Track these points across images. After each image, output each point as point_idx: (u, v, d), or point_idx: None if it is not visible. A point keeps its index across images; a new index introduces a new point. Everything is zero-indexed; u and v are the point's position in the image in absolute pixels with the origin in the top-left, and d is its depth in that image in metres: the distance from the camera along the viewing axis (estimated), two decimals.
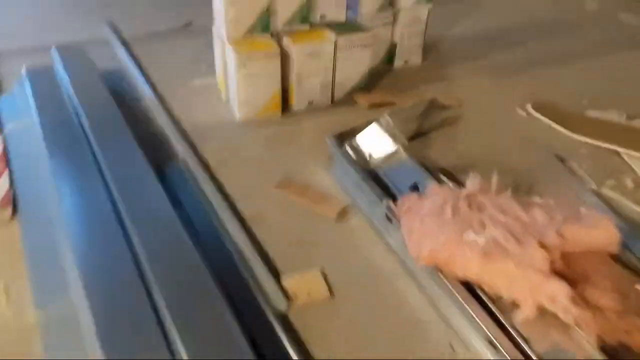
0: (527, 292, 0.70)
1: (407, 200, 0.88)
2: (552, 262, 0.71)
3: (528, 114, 1.29)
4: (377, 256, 0.90)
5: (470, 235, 0.77)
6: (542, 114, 1.27)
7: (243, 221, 0.96)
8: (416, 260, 0.80)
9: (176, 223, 0.90)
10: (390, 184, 1.00)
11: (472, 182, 0.85)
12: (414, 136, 1.16)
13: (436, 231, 0.79)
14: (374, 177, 1.02)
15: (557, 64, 1.51)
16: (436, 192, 0.88)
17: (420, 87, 1.39)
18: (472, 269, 0.75)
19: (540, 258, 0.71)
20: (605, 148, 1.16)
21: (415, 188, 0.96)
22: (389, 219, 0.91)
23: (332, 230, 0.95)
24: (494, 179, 0.86)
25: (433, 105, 1.25)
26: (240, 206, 0.99)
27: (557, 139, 1.20)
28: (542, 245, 0.73)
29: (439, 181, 0.98)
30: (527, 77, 1.44)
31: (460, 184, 1.01)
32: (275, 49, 1.19)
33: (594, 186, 1.05)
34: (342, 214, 0.98)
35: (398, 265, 0.88)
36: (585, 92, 1.37)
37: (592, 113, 1.28)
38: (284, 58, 1.23)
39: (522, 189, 1.02)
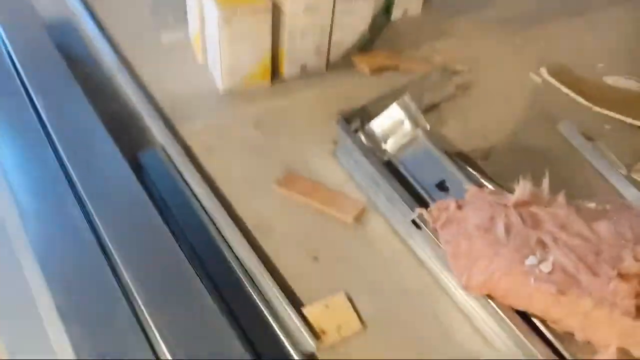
0: (610, 336, 0.59)
1: (444, 208, 0.74)
2: (637, 297, 0.60)
3: (543, 80, 1.14)
4: (405, 270, 0.77)
5: (532, 261, 0.64)
6: (558, 81, 1.13)
7: (247, 232, 0.79)
8: (465, 288, 0.68)
9: (164, 232, 0.73)
10: (409, 177, 0.85)
11: (522, 189, 0.71)
12: (426, 110, 1.00)
13: (489, 254, 0.66)
14: (390, 167, 0.86)
15: (567, 16, 1.34)
16: (477, 198, 0.74)
17: (424, 44, 1.20)
18: (538, 304, 0.63)
19: (624, 295, 0.59)
20: (630, 124, 1.04)
21: (443, 187, 0.82)
22: (418, 226, 0.77)
23: (349, 238, 0.80)
24: (545, 184, 0.73)
25: (444, 72, 1.08)
26: (240, 211, 0.82)
27: (578, 112, 1.07)
28: (622, 276, 0.61)
29: (467, 175, 0.84)
30: (536, 32, 1.28)
31: (486, 175, 0.87)
32: (266, 1, 0.97)
33: (623, 171, 0.94)
34: (359, 216, 0.83)
35: (430, 280, 0.76)
36: (599, 53, 1.23)
37: (610, 80, 1.15)
38: (273, 13, 1.01)
39: (551, 179, 0.89)
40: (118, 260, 0.68)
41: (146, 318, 0.63)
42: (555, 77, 1.14)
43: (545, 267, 0.63)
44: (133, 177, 0.77)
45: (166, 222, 0.76)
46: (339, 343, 0.68)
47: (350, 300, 0.72)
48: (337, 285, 0.74)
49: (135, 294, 0.65)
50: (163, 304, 0.65)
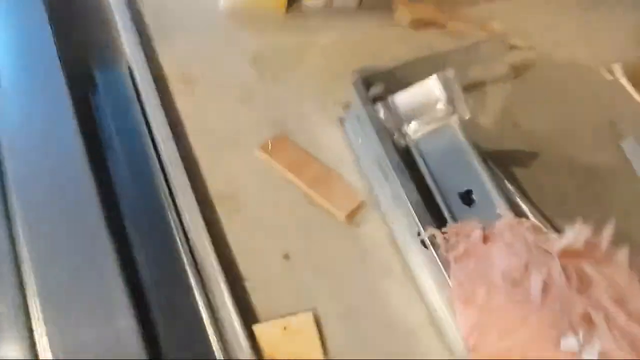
0: None
1: (464, 235, 0.55)
2: None
3: (614, 79, 0.92)
4: (396, 296, 0.59)
5: (572, 344, 0.46)
6: (632, 84, 0.91)
7: (207, 202, 0.61)
8: (470, 351, 0.50)
9: (87, 183, 0.55)
10: (428, 177, 0.65)
11: (575, 236, 0.52)
12: (467, 88, 0.79)
13: (514, 318, 0.48)
14: (406, 157, 0.67)
15: None
16: (512, 232, 0.55)
17: (482, 4, 0.96)
18: None
19: None
20: None
21: (468, 199, 0.63)
22: (425, 246, 0.58)
23: (335, 239, 0.62)
24: (607, 234, 0.54)
25: (500, 44, 0.86)
26: (206, 172, 0.63)
27: None
28: None
29: (503, 191, 0.64)
30: (620, 20, 1.03)
31: (525, 195, 0.68)
32: None
33: None
34: (354, 213, 0.64)
35: (425, 318, 0.58)
36: None
37: None
38: None
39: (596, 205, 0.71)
40: (17, 211, 0.50)
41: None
42: (629, 79, 0.92)
43: (589, 356, 0.45)
44: (69, 105, 0.57)
45: (106, 167, 0.58)
46: None
47: (318, 324, 0.55)
48: (305, 299, 0.57)
49: (26, 255, 0.48)
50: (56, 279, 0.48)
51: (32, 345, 0.46)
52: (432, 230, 0.56)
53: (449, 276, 0.54)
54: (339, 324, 0.56)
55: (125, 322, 0.48)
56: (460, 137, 0.67)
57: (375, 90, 0.72)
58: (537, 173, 0.73)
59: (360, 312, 0.57)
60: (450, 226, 0.56)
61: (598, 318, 0.47)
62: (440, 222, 0.59)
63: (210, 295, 0.54)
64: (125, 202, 0.59)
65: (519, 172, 0.73)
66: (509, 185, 0.66)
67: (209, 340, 0.52)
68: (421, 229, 0.57)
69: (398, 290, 0.59)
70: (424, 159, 0.66)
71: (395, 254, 0.61)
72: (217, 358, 0.51)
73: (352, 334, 0.55)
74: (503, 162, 0.72)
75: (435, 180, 0.64)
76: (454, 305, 0.52)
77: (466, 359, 0.51)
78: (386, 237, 0.63)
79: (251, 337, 0.52)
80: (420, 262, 0.59)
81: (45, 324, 0.46)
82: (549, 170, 0.74)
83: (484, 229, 0.55)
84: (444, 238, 0.55)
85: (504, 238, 0.54)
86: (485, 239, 0.54)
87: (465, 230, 0.55)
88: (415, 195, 0.61)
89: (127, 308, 0.49)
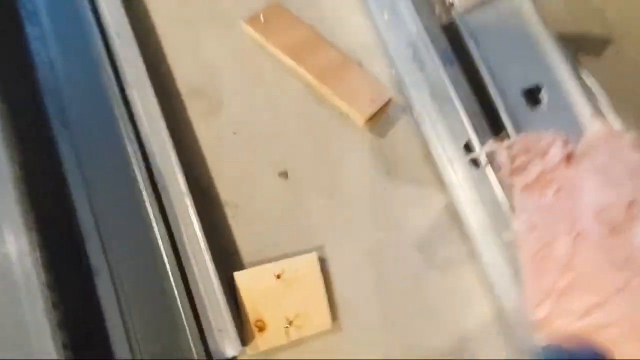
0: None
1: (536, 153, 0.38)
2: None
3: None
4: (428, 234, 0.43)
5: None
6: None
7: (173, 99, 0.43)
8: (537, 327, 0.35)
9: None
10: (481, 65, 0.46)
11: None
12: None
13: (607, 283, 0.33)
14: (453, 37, 0.47)
15: None
16: (607, 150, 0.37)
17: None
18: None
19: None
20: None
21: (536, 96, 0.44)
22: (477, 165, 0.42)
23: (350, 151, 0.45)
24: None
25: None
26: (172, 52, 0.45)
27: None
28: None
29: (584, 87, 0.45)
30: None
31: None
32: None
33: None
34: (377, 116, 0.46)
35: (471, 273, 0.43)
36: None
37: None
38: None
39: None
40: None
41: None
42: None
43: None
44: None
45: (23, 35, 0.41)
46: (280, 351, 0.38)
47: (323, 270, 0.40)
48: (306, 233, 0.41)
49: None
50: None
51: None
52: (492, 145, 0.38)
53: (513, 209, 0.37)
54: (350, 271, 0.40)
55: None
56: (528, 10, 0.47)
57: None
58: (611, 67, 0.54)
59: (380, 254, 0.41)
60: (518, 139, 0.39)
61: None
62: (494, 129, 0.42)
63: (174, 228, 0.39)
64: (51, 82, 0.42)
65: (590, 63, 0.54)
66: (592, 82, 0.47)
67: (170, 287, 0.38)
68: (473, 140, 0.40)
69: (432, 226, 0.43)
70: (475, 41, 0.47)
71: (431, 175, 0.44)
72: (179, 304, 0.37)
73: (367, 285, 0.40)
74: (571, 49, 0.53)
75: (491, 70, 0.46)
76: (518, 259, 0.36)
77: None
78: (420, 151, 0.45)
79: (230, 285, 0.37)
80: (468, 188, 0.42)
81: None
82: (628, 66, 0.55)
83: (566, 141, 0.38)
84: (509, 155, 0.38)
85: (597, 159, 0.37)
86: (569, 158, 0.37)
87: (540, 146, 0.38)
88: (466, 90, 0.43)
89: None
